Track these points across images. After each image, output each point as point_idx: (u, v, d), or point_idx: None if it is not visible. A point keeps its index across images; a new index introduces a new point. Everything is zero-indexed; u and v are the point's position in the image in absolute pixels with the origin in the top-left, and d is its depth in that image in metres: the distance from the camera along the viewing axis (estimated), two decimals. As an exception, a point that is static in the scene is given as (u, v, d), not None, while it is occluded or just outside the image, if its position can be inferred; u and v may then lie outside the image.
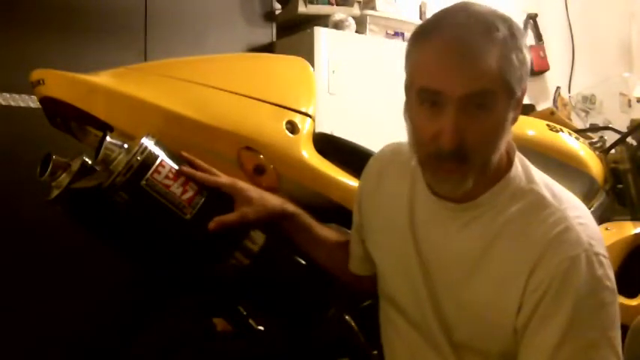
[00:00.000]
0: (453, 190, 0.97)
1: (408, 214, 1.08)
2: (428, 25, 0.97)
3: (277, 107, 1.33)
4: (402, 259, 1.08)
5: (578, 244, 0.93)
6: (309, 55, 2.60)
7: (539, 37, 4.07)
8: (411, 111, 0.98)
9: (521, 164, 1.03)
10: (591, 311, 0.91)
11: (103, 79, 1.23)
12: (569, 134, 2.07)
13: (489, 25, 0.91)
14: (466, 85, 0.89)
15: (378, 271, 1.18)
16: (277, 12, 2.91)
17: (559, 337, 0.90)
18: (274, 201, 1.19)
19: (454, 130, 0.90)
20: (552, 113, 2.44)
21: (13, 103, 2.14)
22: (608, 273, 0.94)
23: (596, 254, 0.93)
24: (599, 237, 0.96)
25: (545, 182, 1.02)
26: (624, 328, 1.46)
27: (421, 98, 0.94)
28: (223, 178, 1.16)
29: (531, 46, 4.02)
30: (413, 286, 1.07)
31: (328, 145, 1.40)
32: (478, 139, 0.92)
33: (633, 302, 1.93)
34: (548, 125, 2.04)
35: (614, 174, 2.31)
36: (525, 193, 0.99)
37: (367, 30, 2.98)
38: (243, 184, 1.18)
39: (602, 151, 2.23)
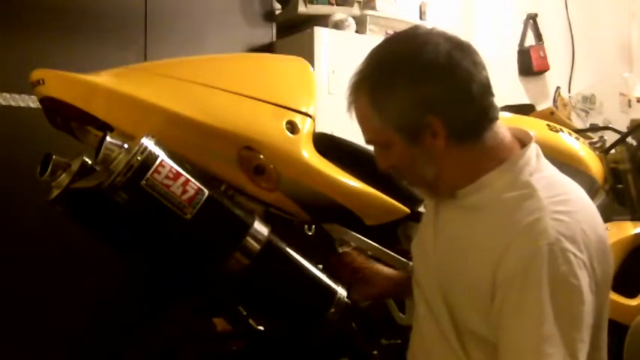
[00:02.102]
0: (423, 195, 1.20)
1: (434, 208, 1.14)
2: None
3: (277, 107, 1.33)
4: (424, 247, 1.15)
5: (543, 237, 0.92)
6: (309, 55, 2.59)
7: (539, 37, 4.07)
8: None
9: (536, 155, 1.05)
10: (554, 306, 0.90)
11: (103, 79, 1.23)
12: (569, 134, 2.07)
13: (360, 81, 1.05)
14: (364, 134, 1.10)
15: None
16: (277, 12, 2.91)
17: (531, 330, 0.91)
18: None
19: (376, 157, 1.11)
20: (552, 113, 2.44)
21: (13, 103, 2.14)
22: (576, 271, 0.92)
23: (563, 250, 0.92)
24: (576, 236, 0.94)
25: (549, 177, 1.03)
26: (624, 329, 1.47)
27: None
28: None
29: (531, 46, 4.03)
30: (428, 275, 1.12)
31: (328, 145, 1.40)
32: (392, 167, 1.09)
33: (633, 302, 1.93)
34: (548, 125, 2.04)
35: (614, 174, 2.31)
36: (523, 184, 1.01)
37: (367, 30, 2.98)
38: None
39: (602, 151, 2.23)
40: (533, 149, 1.06)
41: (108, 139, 1.07)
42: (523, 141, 1.07)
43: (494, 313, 0.96)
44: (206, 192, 1.12)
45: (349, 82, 1.07)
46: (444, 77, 0.99)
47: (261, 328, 1.32)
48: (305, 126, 1.34)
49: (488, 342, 0.99)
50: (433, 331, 1.10)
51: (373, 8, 3.01)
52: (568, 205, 0.98)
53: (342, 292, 1.26)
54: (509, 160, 1.03)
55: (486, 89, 1.02)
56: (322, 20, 2.84)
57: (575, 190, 1.04)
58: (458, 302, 1.05)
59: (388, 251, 1.42)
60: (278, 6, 2.92)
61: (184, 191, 1.09)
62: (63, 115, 1.24)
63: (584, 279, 0.93)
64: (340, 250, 1.36)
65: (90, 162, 1.12)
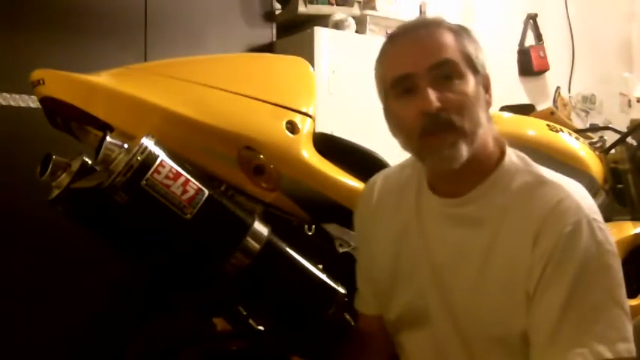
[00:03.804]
0: (450, 159, 0.99)
1: (416, 221, 1.11)
2: (387, 39, 1.09)
3: (277, 107, 1.33)
4: (411, 267, 1.10)
5: (579, 210, 0.97)
6: (309, 55, 2.60)
7: (539, 37, 4.07)
8: (392, 113, 1.06)
9: (515, 154, 1.07)
10: (596, 274, 0.94)
11: (103, 79, 1.23)
12: (569, 134, 2.07)
13: (439, 20, 1.05)
14: (429, 58, 0.99)
15: (381, 294, 1.19)
16: (277, 12, 2.91)
17: (564, 299, 0.92)
18: None
19: (430, 94, 0.97)
20: (552, 113, 2.44)
21: (13, 103, 2.14)
22: (608, 238, 0.97)
23: (595, 220, 0.97)
24: (596, 209, 1.00)
25: (542, 168, 1.06)
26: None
27: (396, 91, 1.03)
28: None
29: (531, 46, 4.03)
30: (422, 293, 1.08)
31: (328, 145, 1.40)
32: (455, 103, 0.98)
33: (633, 302, 1.93)
34: (548, 125, 2.04)
35: (614, 174, 2.31)
36: (524, 175, 1.03)
37: (367, 30, 2.99)
38: None
39: (602, 151, 2.23)
40: (512, 152, 1.07)
41: (108, 139, 1.07)
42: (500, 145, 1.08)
43: (530, 291, 0.96)
44: (206, 192, 1.12)
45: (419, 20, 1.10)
46: None
47: (261, 328, 1.32)
48: (305, 126, 1.34)
49: (508, 348, 1.00)
50: (448, 341, 1.08)
51: (373, 8, 3.01)
52: (576, 186, 1.03)
53: (342, 291, 1.26)
54: (498, 167, 1.04)
55: None
56: (322, 20, 2.85)
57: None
58: (484, 312, 1.02)
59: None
60: (278, 6, 2.92)
61: (184, 191, 1.09)
62: (63, 115, 1.24)
63: (614, 244, 0.98)
64: (340, 250, 1.36)
65: (90, 162, 1.12)
